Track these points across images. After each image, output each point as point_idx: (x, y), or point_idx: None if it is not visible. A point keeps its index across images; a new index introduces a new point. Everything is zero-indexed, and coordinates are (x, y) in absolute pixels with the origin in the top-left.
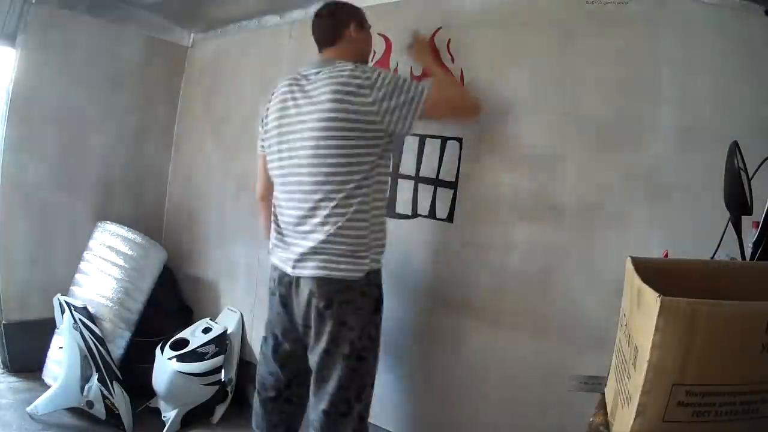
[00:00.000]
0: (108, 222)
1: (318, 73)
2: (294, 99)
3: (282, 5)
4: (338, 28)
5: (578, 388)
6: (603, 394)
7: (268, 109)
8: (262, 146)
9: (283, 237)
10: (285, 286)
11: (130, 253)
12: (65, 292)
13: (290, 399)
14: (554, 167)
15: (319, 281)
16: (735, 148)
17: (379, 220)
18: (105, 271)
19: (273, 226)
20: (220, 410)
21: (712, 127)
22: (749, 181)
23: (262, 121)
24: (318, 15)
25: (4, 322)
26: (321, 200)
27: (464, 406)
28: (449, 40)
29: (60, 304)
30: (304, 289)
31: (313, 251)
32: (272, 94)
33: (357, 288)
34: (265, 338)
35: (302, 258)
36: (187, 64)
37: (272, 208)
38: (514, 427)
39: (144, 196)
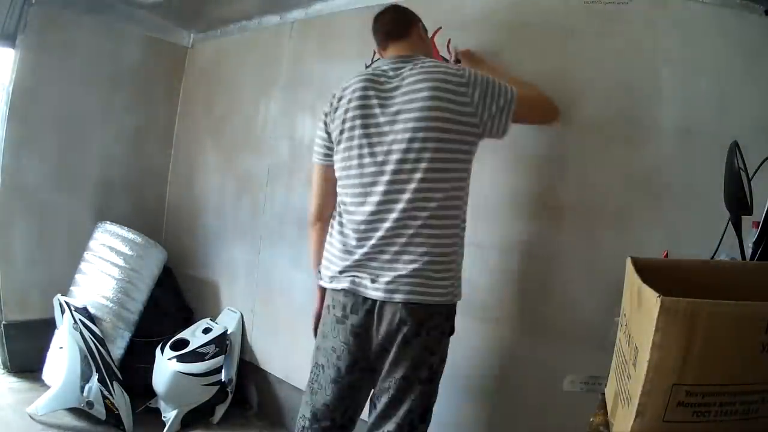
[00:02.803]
0: (108, 222)
1: (399, 69)
2: (369, 98)
3: (282, 5)
4: (408, 23)
5: (578, 388)
6: (603, 394)
7: (335, 111)
8: (327, 155)
9: (360, 257)
10: (363, 313)
11: (130, 253)
12: (65, 292)
13: (345, 425)
14: (554, 167)
15: (412, 307)
16: (735, 148)
17: (463, 238)
18: (105, 271)
19: (338, 245)
20: (220, 410)
21: (712, 127)
22: (749, 181)
23: (326, 125)
24: (384, 12)
25: (4, 322)
26: (414, 212)
27: (463, 406)
28: (449, 40)
29: (60, 304)
30: (389, 315)
31: (406, 273)
32: (336, 96)
33: (444, 312)
34: (321, 367)
35: (393, 280)
36: (187, 64)
37: (336, 226)
38: (514, 427)
39: (144, 196)
